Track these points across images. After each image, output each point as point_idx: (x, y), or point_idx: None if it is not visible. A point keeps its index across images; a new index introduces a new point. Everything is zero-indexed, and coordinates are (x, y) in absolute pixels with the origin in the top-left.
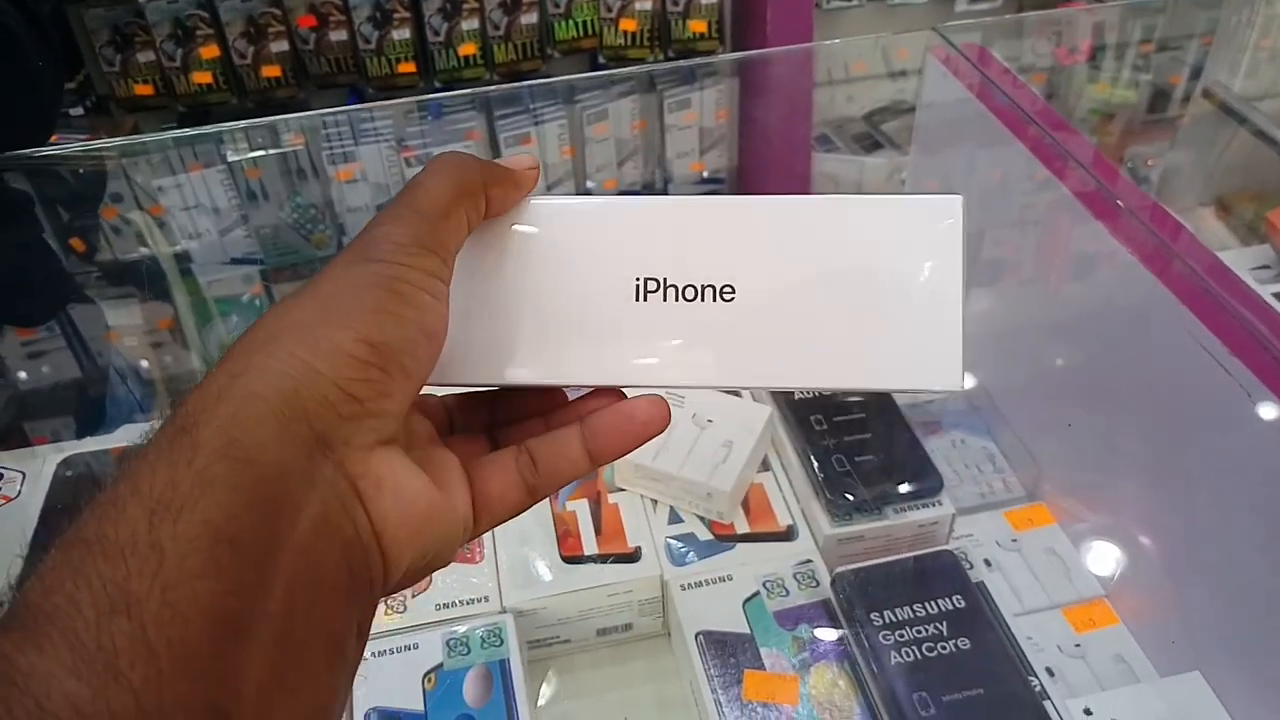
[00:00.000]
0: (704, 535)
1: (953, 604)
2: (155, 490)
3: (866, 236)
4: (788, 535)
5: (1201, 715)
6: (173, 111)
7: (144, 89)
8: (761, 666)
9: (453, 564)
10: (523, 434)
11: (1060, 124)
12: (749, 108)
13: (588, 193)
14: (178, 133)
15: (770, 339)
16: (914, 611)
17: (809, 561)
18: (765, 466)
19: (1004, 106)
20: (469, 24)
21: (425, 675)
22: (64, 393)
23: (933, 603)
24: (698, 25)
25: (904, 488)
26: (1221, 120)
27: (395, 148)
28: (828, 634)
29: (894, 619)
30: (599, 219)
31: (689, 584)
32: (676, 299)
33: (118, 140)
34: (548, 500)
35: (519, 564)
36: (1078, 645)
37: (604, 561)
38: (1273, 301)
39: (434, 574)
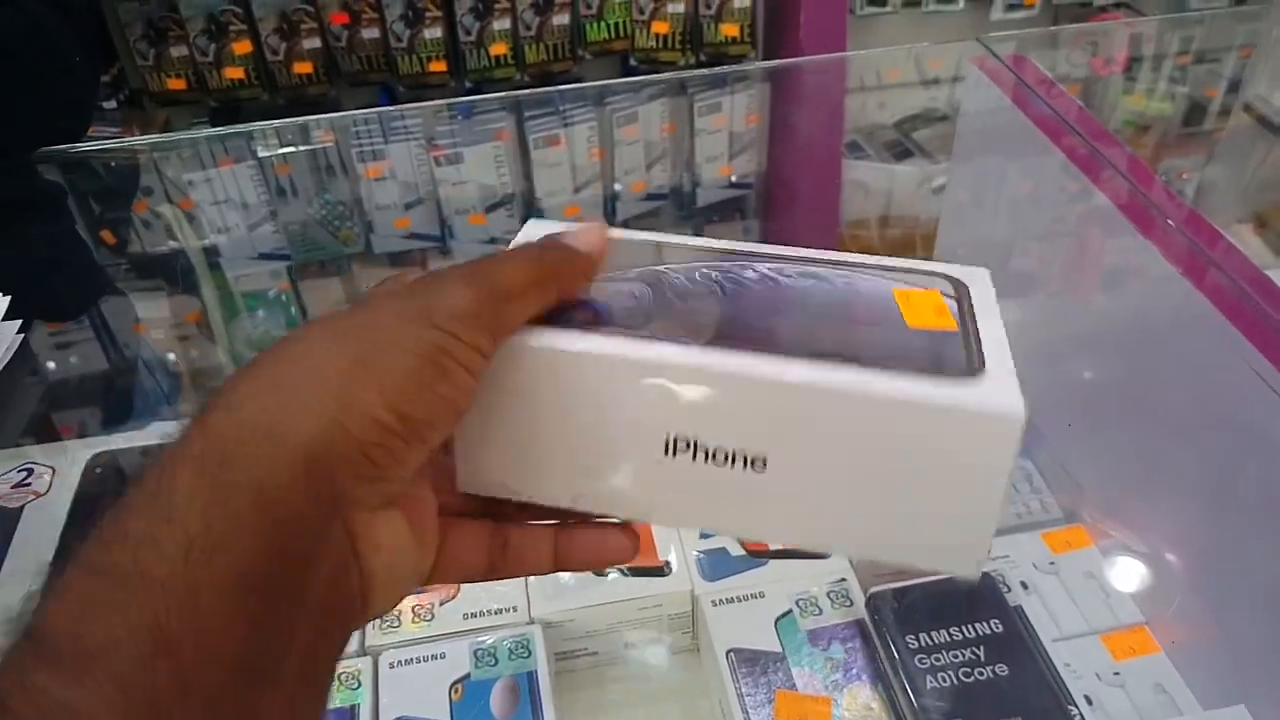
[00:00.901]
0: (736, 551)
1: (990, 628)
2: (191, 528)
3: (913, 437)
4: (822, 553)
5: None
6: (205, 106)
7: (177, 83)
8: (794, 686)
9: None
10: (502, 513)
11: (1101, 133)
12: (780, 114)
13: (615, 195)
14: (209, 132)
15: (799, 512)
16: (950, 635)
17: (843, 580)
18: None
19: (1044, 115)
20: (501, 24)
21: (452, 685)
22: (92, 384)
23: (970, 626)
24: (730, 29)
25: None
26: (1259, 134)
27: (425, 146)
28: (862, 655)
29: (930, 642)
30: (636, 370)
31: (720, 600)
32: (707, 460)
33: (149, 138)
34: None
35: (549, 575)
36: (1117, 674)
37: (635, 575)
38: None
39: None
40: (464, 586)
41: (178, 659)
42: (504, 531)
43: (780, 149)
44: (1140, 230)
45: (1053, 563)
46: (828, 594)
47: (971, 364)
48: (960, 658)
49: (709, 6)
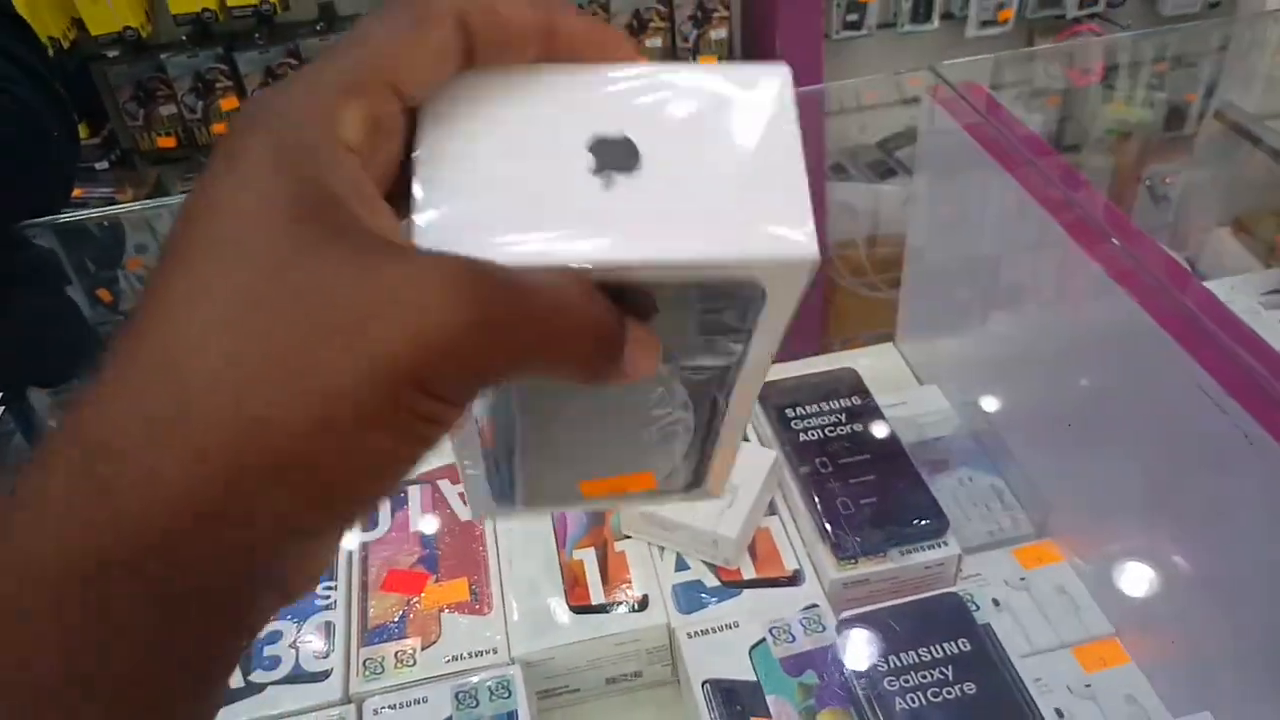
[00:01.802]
0: (711, 582)
1: (958, 648)
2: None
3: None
4: (794, 580)
5: None
6: (195, 162)
7: (166, 141)
8: (768, 714)
9: (461, 616)
10: None
11: (1058, 161)
12: None
13: None
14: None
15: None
16: (919, 656)
17: (815, 606)
18: (772, 510)
19: (1000, 143)
20: None
21: None
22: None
23: (938, 646)
24: (708, 60)
25: (909, 529)
26: (1237, 140)
27: None
28: (834, 680)
29: (899, 664)
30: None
31: (695, 632)
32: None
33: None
34: (555, 549)
35: (527, 615)
36: (1088, 685)
37: (611, 610)
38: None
39: (443, 626)
40: (446, 631)
41: None
42: None
43: None
44: (1090, 252)
45: (1023, 578)
46: (800, 621)
47: None
48: (929, 678)
49: (686, 39)
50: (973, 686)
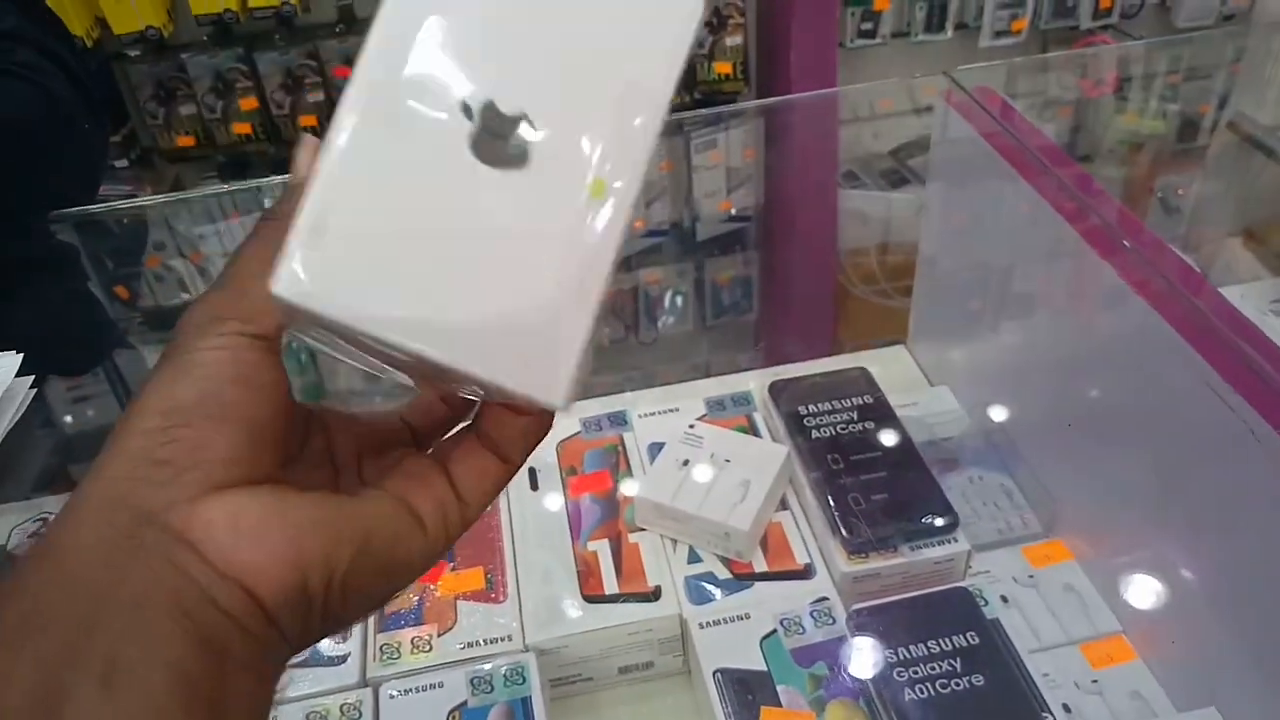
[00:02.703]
0: (723, 574)
1: (966, 640)
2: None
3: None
4: (805, 574)
5: None
6: (213, 161)
7: (186, 140)
8: (778, 704)
9: (477, 604)
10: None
11: (1073, 166)
12: (774, 149)
13: None
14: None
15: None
16: (928, 648)
17: (825, 599)
18: (784, 505)
19: (1014, 148)
20: None
21: (450, 713)
22: (106, 437)
23: (946, 639)
24: (723, 67)
25: (920, 525)
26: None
27: None
28: (843, 671)
29: (908, 656)
30: None
31: (707, 622)
32: None
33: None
34: (570, 541)
35: (541, 603)
36: (1095, 681)
37: (624, 601)
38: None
39: (459, 613)
40: (461, 618)
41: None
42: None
43: (777, 182)
44: (1104, 258)
45: (1032, 576)
46: (811, 613)
47: None
48: (938, 669)
49: (702, 45)
50: (981, 679)
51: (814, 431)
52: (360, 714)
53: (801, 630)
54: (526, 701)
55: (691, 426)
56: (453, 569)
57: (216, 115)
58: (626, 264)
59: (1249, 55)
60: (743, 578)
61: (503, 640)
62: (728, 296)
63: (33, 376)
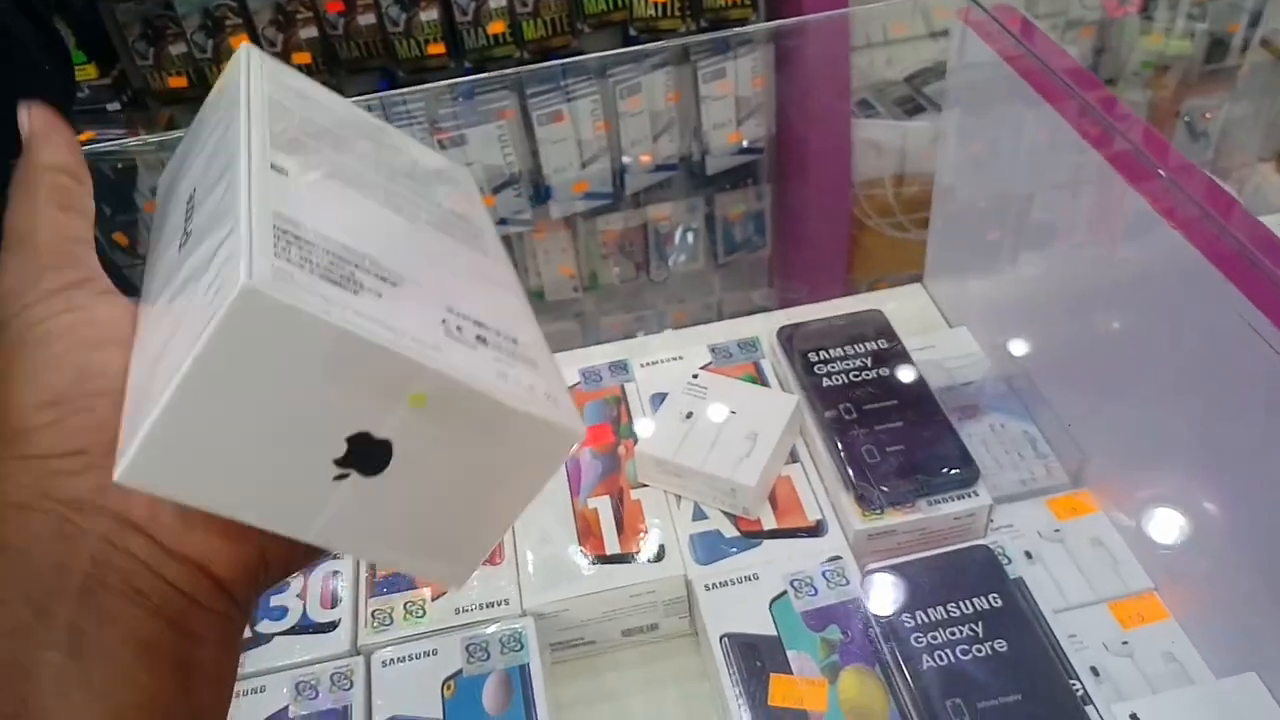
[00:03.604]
0: (730, 532)
1: (989, 603)
2: None
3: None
4: (816, 530)
5: None
6: None
7: (178, 81)
8: (789, 670)
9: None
10: None
11: (1098, 88)
12: (785, 75)
13: (623, 169)
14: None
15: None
16: (948, 612)
17: (838, 558)
18: (793, 458)
19: (1037, 70)
20: (497, 2)
21: (444, 682)
22: None
23: (967, 602)
24: None
25: (938, 478)
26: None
27: (428, 129)
28: (858, 636)
29: (927, 620)
30: None
31: (714, 584)
32: None
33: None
34: (570, 498)
35: (540, 565)
36: (1125, 643)
37: (627, 561)
38: None
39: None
40: None
41: None
42: None
43: (788, 111)
44: (1134, 185)
45: (1058, 530)
46: (823, 573)
47: None
48: (958, 635)
49: None
50: (1004, 644)
51: (825, 379)
52: (351, 683)
53: (813, 592)
54: (525, 669)
55: (695, 376)
56: None
57: (207, 55)
58: (636, 200)
59: None
60: (751, 535)
61: (500, 604)
62: (740, 233)
63: None
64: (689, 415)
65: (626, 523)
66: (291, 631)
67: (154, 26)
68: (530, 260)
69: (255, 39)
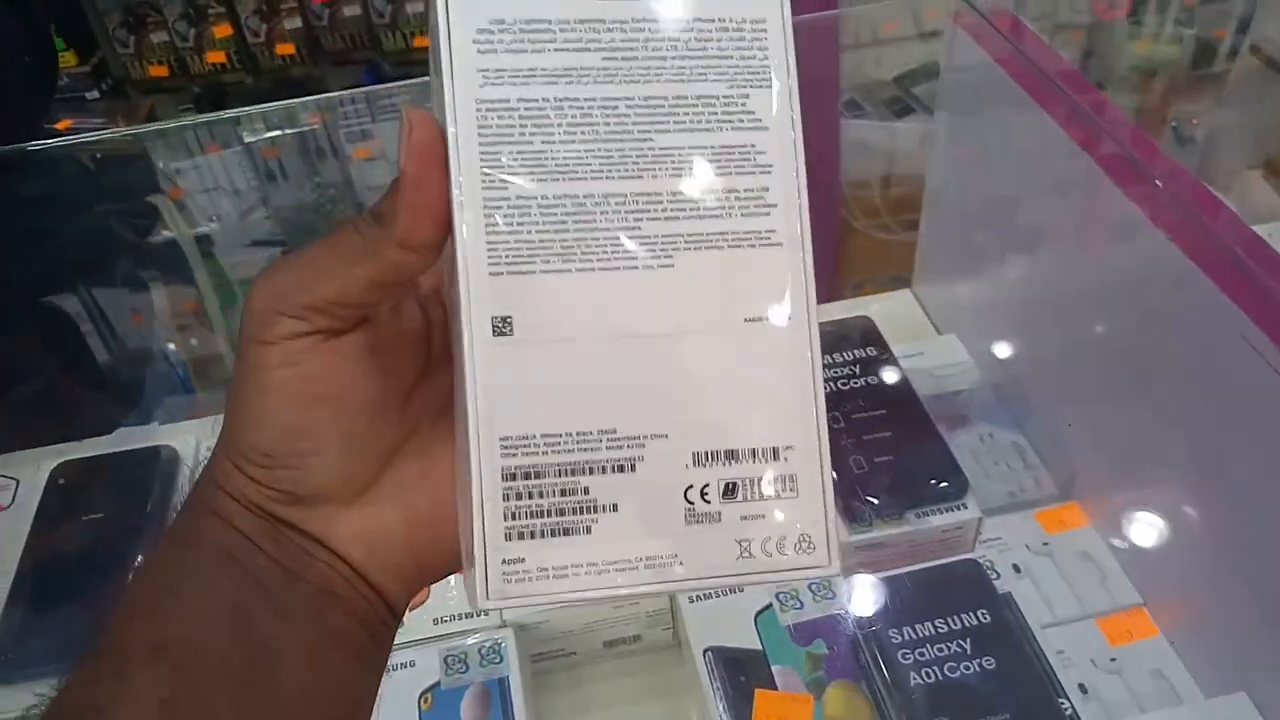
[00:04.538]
0: None
1: (977, 619)
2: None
3: None
4: None
5: None
6: (188, 92)
7: (159, 70)
8: (773, 685)
9: (452, 575)
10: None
11: (1092, 93)
12: None
13: None
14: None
15: None
16: (935, 628)
17: None
18: None
19: (1031, 74)
20: None
21: (422, 695)
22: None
23: (955, 618)
24: None
25: (926, 490)
26: (1271, 77)
27: None
28: (844, 651)
29: (914, 636)
30: None
31: (698, 595)
32: None
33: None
34: None
35: None
36: (1113, 659)
37: None
38: None
39: (432, 587)
40: (434, 591)
41: None
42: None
43: None
44: (1128, 193)
45: (1046, 543)
46: (809, 586)
47: None
48: (946, 651)
49: None
50: (992, 660)
51: None
52: None
53: (799, 605)
54: (504, 681)
55: None
56: None
57: (189, 43)
58: None
59: None
60: None
61: (479, 615)
62: None
63: None
64: None
65: None
66: None
67: (135, 14)
68: None
69: (238, 28)
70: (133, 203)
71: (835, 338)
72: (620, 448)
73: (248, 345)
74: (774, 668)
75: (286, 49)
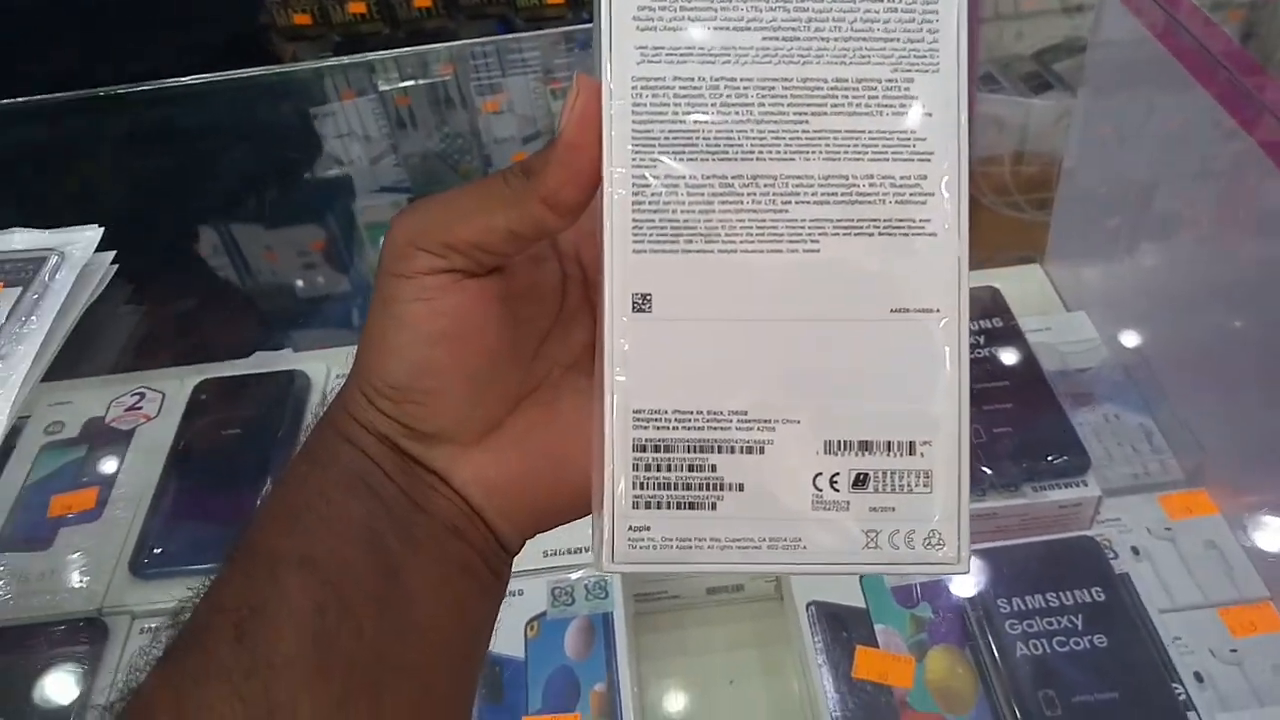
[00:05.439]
0: None
1: (1091, 596)
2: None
3: None
4: None
5: None
6: (329, 40)
7: (302, 19)
8: (875, 643)
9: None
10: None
11: (1255, 70)
12: None
13: None
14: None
15: None
16: (1047, 601)
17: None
18: None
19: (1189, 49)
20: None
21: (528, 623)
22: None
23: (1068, 593)
24: None
25: (1045, 464)
26: None
27: (543, 79)
28: (950, 616)
29: (1024, 607)
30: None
31: None
32: None
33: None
34: None
35: None
36: (1234, 650)
37: None
38: None
39: None
40: None
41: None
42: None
43: None
44: None
45: (1169, 528)
46: None
47: None
48: (1056, 625)
49: None
50: (1104, 639)
51: None
52: None
53: None
54: (608, 617)
55: None
56: None
57: None
58: None
59: None
60: None
61: (588, 550)
62: None
63: (114, 252)
64: None
65: None
66: None
67: None
68: None
69: None
70: (299, 136)
71: None
72: (750, 429)
73: (384, 278)
74: (876, 626)
75: (423, 1)
